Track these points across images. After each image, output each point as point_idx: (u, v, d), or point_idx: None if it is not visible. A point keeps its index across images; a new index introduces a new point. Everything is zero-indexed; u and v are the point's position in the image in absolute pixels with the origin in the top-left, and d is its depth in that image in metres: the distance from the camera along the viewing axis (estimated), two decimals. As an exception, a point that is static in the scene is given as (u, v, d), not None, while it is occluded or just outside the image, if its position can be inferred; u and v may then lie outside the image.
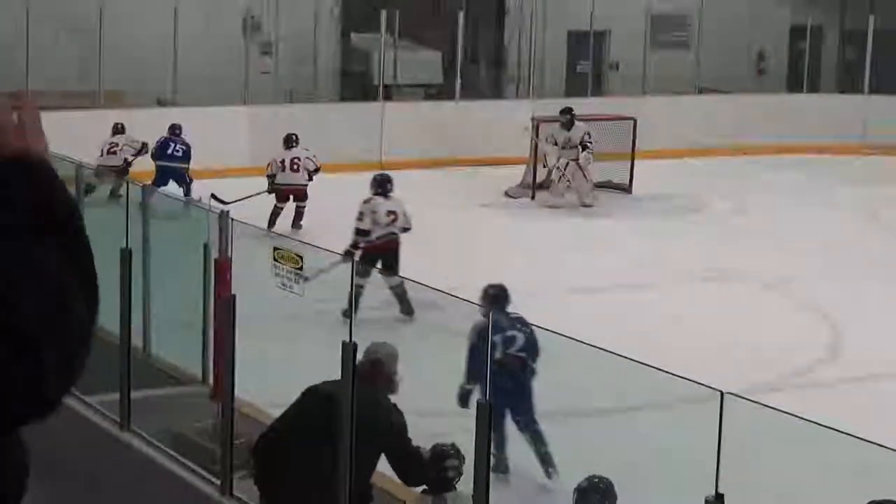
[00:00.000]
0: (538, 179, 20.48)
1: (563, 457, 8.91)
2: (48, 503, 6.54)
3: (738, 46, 26.80)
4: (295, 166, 17.48)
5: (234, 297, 7.56)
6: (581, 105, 21.35)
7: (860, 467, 6.36)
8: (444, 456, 7.01)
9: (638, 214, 19.36)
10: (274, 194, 17.41)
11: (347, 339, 6.53)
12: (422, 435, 7.12)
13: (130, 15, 21.97)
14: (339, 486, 6.62)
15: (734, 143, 24.00)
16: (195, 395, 8.96)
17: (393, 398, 6.94)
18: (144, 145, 18.55)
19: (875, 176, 22.24)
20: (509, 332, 8.90)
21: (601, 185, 20.51)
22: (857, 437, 5.06)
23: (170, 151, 18.41)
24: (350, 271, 10.10)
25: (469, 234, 17.24)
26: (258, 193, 17.01)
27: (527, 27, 26.01)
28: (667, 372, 5.50)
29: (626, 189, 20.91)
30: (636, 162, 21.04)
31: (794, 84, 27.38)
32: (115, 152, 18.43)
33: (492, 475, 6.49)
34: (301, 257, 7.03)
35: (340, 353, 6.50)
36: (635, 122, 21.38)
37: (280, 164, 17.52)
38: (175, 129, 18.60)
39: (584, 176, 19.89)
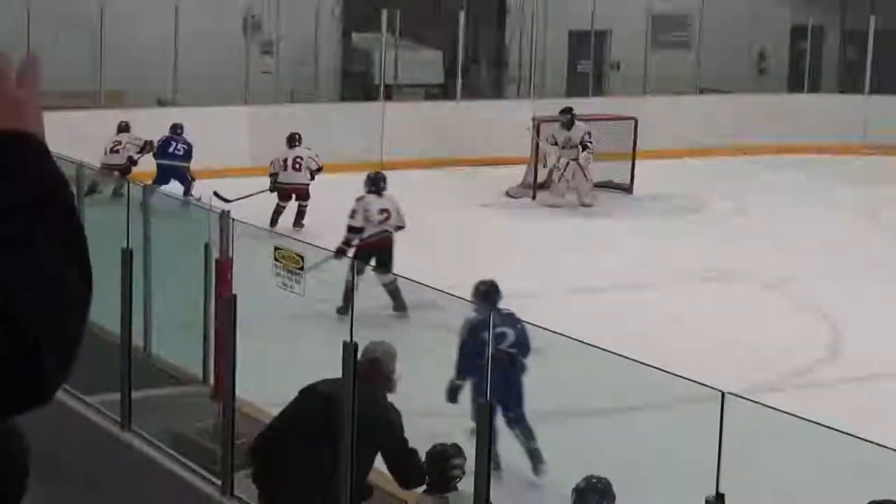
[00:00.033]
0: (539, 179, 20.49)
1: (563, 457, 8.90)
2: (49, 503, 6.55)
3: (738, 46, 26.79)
4: (297, 165, 17.51)
5: (234, 296, 7.56)
6: (582, 105, 21.34)
7: (860, 467, 6.37)
8: (449, 455, 7.00)
9: (638, 214, 19.36)
10: (276, 193, 17.47)
11: (348, 339, 6.53)
12: (419, 434, 7.12)
13: (131, 15, 21.97)
14: (338, 485, 6.62)
15: (734, 143, 23.99)
16: (196, 395, 8.96)
17: (391, 397, 6.94)
18: (148, 143, 18.59)
19: (875, 176, 22.23)
20: (500, 329, 8.89)
21: (602, 185, 20.50)
22: (857, 437, 5.06)
23: (171, 150, 18.47)
24: (343, 269, 10.10)
25: (469, 234, 17.23)
26: (260, 192, 17.07)
27: (528, 27, 26.00)
28: (667, 372, 5.50)
29: (627, 189, 20.90)
30: (636, 162, 21.05)
31: (795, 84, 27.38)
32: (118, 150, 18.50)
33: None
34: (302, 257, 7.03)
35: (341, 353, 6.50)
36: (636, 121, 21.37)
37: (282, 163, 17.55)
38: (177, 129, 18.66)
39: (585, 176, 19.88)
